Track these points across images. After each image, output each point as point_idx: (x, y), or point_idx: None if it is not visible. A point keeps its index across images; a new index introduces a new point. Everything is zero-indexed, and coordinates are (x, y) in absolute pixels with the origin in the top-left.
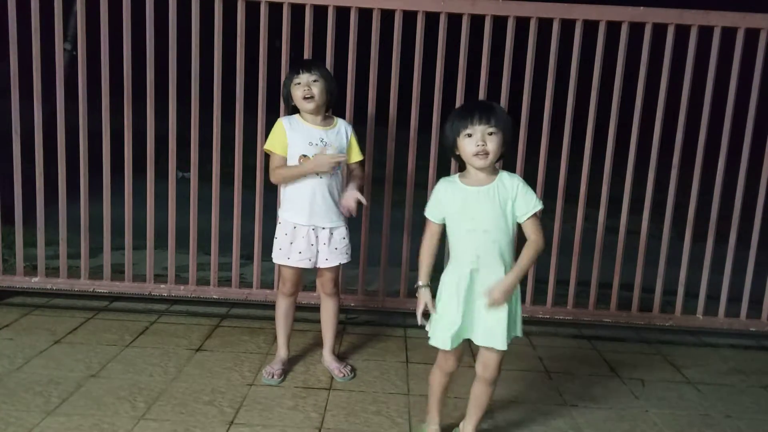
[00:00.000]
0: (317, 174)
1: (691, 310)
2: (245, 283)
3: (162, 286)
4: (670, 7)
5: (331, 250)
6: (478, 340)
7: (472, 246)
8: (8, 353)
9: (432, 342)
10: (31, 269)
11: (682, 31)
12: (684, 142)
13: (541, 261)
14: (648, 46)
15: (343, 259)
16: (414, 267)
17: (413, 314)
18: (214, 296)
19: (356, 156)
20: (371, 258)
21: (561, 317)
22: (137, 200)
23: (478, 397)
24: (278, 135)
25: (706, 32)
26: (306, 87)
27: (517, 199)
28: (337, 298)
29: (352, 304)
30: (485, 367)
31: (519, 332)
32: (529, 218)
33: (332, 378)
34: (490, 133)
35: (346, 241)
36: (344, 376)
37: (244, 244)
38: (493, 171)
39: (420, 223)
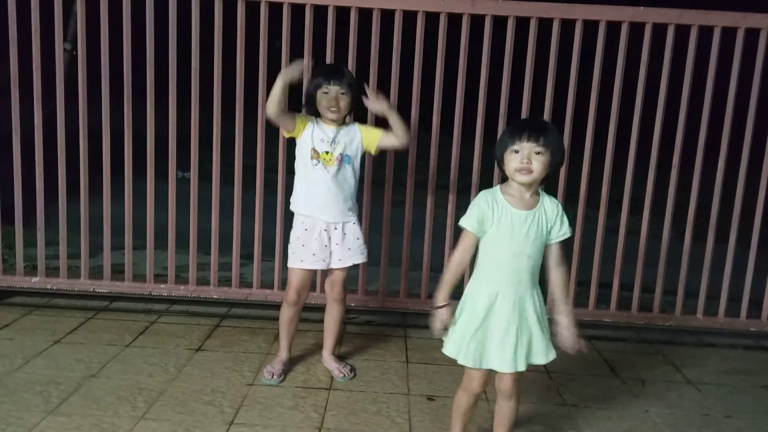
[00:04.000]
0: (325, 168)
1: (691, 310)
2: (245, 283)
3: (162, 286)
4: (670, 7)
5: (343, 250)
6: (532, 360)
7: (515, 269)
8: (8, 353)
9: (443, 350)
10: (31, 269)
11: (682, 31)
12: (684, 142)
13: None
14: (648, 46)
15: (358, 258)
16: (414, 267)
17: (413, 314)
18: (214, 296)
19: (376, 134)
20: (371, 258)
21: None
22: (137, 200)
23: (508, 415)
24: (304, 118)
25: (706, 32)
26: (334, 99)
27: (555, 224)
28: (343, 304)
29: (352, 304)
30: (504, 381)
31: (552, 354)
32: (558, 242)
33: (332, 378)
34: (537, 152)
35: (361, 240)
36: (344, 375)
37: (244, 244)
38: (535, 192)
39: (419, 222)
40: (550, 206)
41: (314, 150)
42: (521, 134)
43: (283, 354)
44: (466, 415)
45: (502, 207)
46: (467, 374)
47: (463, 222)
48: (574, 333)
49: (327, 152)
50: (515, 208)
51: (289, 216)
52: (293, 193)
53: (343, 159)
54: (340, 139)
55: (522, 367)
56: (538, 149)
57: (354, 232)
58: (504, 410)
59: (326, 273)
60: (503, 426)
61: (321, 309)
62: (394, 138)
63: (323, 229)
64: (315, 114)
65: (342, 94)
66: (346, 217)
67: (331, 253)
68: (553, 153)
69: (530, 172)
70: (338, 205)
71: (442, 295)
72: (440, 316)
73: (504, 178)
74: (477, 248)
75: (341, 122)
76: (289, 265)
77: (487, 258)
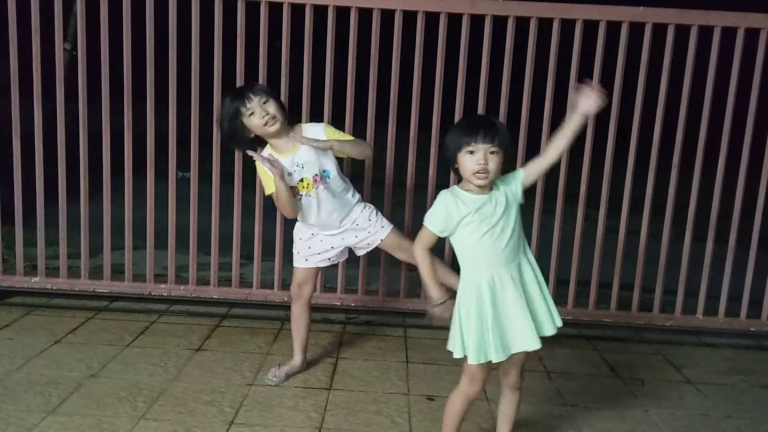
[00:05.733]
0: (309, 196)
1: (691, 310)
2: (245, 283)
3: (162, 286)
4: (670, 7)
5: (364, 237)
6: (543, 332)
7: (501, 250)
8: (8, 353)
9: (495, 359)
10: (31, 269)
11: (682, 31)
12: (684, 142)
13: (541, 261)
14: (648, 46)
15: (384, 232)
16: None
17: (413, 314)
18: (214, 296)
19: (331, 133)
20: (371, 258)
21: (561, 317)
22: (137, 200)
23: (511, 410)
24: (264, 173)
25: (706, 32)
26: (262, 112)
27: (510, 183)
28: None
29: (352, 304)
30: (517, 374)
31: (558, 321)
32: (525, 170)
33: (332, 378)
34: (492, 152)
35: (375, 217)
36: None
37: (244, 244)
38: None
39: (419, 222)
40: (501, 183)
41: (292, 188)
42: (476, 135)
43: (296, 357)
44: (460, 420)
45: (467, 201)
46: (471, 376)
47: (428, 222)
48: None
49: (302, 179)
50: (477, 195)
51: None
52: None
53: (321, 177)
54: (302, 159)
55: (548, 332)
56: (493, 149)
57: (363, 215)
58: (510, 404)
59: (335, 267)
60: (509, 420)
61: (320, 309)
62: (354, 154)
63: (329, 234)
64: (250, 145)
65: (264, 103)
66: (350, 220)
67: (342, 250)
68: (506, 151)
69: (487, 173)
70: (338, 216)
71: (435, 292)
72: (443, 311)
73: (458, 180)
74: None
75: (286, 133)
76: (295, 264)
77: (470, 254)
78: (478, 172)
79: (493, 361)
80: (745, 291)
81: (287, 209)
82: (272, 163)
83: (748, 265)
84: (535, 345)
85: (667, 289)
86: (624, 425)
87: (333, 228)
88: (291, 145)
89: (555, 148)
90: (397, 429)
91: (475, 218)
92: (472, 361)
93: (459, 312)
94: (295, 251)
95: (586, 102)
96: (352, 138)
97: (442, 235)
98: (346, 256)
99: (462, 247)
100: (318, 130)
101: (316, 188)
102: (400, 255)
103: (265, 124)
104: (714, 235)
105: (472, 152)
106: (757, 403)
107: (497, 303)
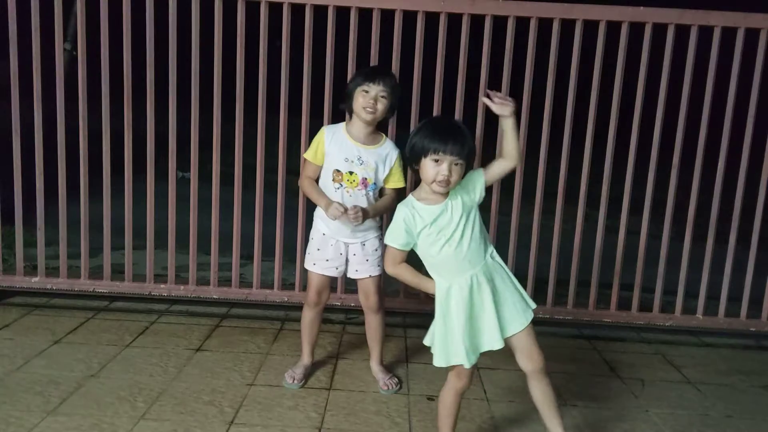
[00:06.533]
0: (347, 191)
1: (691, 310)
2: (245, 283)
3: (162, 286)
4: (670, 7)
5: (361, 261)
6: (511, 330)
7: (463, 256)
8: (8, 353)
9: (442, 363)
10: (31, 269)
11: (682, 31)
12: (684, 142)
13: (541, 261)
14: (648, 46)
15: (374, 271)
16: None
17: (413, 314)
18: (214, 296)
19: (394, 182)
20: None
21: (561, 317)
22: (137, 200)
23: (543, 395)
24: (318, 145)
25: (706, 32)
26: (372, 100)
27: (467, 186)
28: (380, 314)
29: (352, 304)
30: (530, 358)
31: (532, 303)
32: (486, 172)
33: (332, 378)
34: (457, 164)
35: (379, 253)
36: (388, 389)
37: (244, 244)
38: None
39: None
40: (459, 186)
41: (336, 171)
42: (444, 144)
43: (305, 358)
44: (454, 415)
45: (422, 212)
46: (456, 372)
47: (390, 239)
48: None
49: (352, 173)
50: (432, 206)
51: (288, 216)
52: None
53: (369, 185)
54: (366, 159)
55: (522, 326)
56: (459, 161)
57: (373, 244)
58: (538, 390)
59: (354, 281)
60: (549, 406)
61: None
62: (384, 195)
63: (343, 241)
64: (350, 111)
65: (382, 96)
66: (366, 237)
67: (347, 261)
68: (470, 163)
69: (448, 184)
70: (358, 228)
71: (429, 284)
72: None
73: (417, 182)
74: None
75: (371, 128)
76: (306, 266)
77: (433, 263)
78: (439, 182)
79: (454, 365)
80: (745, 291)
81: (304, 190)
82: (345, 212)
83: (748, 265)
84: (497, 345)
85: (667, 289)
86: (624, 425)
87: (348, 236)
88: (374, 140)
89: (508, 152)
90: (397, 429)
91: (433, 230)
92: (436, 363)
93: (437, 314)
94: (307, 251)
95: (499, 108)
96: (391, 199)
97: (407, 248)
98: (343, 271)
99: (425, 257)
100: (393, 154)
101: (358, 189)
102: (363, 301)
103: (364, 108)
104: (714, 235)
105: (437, 161)
106: (757, 403)
107: (467, 307)
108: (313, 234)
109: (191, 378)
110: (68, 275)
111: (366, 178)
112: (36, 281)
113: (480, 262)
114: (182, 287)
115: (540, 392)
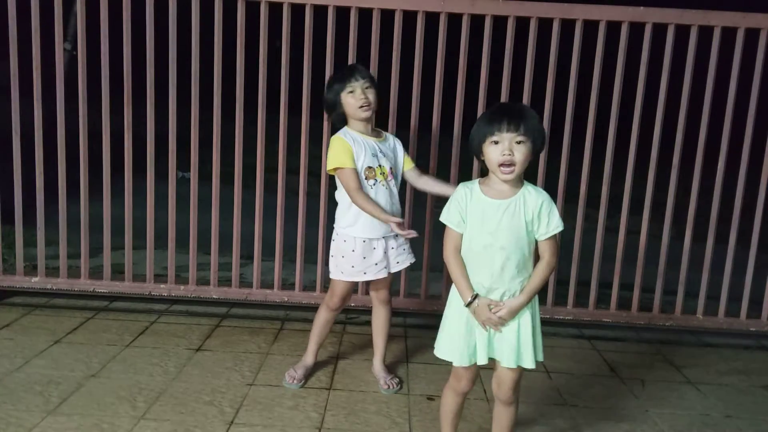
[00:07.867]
0: (382, 184)
1: (691, 310)
2: (245, 283)
3: (162, 286)
4: (670, 7)
5: (400, 252)
6: (504, 362)
7: (488, 263)
8: (8, 353)
9: (437, 353)
10: (31, 269)
11: (682, 31)
12: (684, 142)
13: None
14: (648, 46)
15: (411, 258)
16: (415, 267)
17: (413, 314)
18: (214, 296)
19: (408, 163)
20: None
21: (561, 317)
22: (137, 200)
23: (498, 420)
24: (346, 150)
25: (706, 32)
26: (362, 95)
27: (540, 217)
28: (389, 306)
29: (353, 304)
30: (500, 385)
31: (541, 356)
32: (547, 238)
33: (332, 378)
34: (519, 142)
35: (408, 242)
36: (389, 388)
37: (244, 244)
38: (517, 182)
39: (419, 222)
40: (534, 197)
41: (369, 168)
42: (500, 123)
43: (309, 358)
44: (455, 416)
45: (476, 197)
46: (454, 372)
47: (444, 218)
48: (507, 309)
49: (380, 166)
50: (488, 197)
51: (288, 216)
52: (343, 218)
53: (395, 176)
54: (386, 149)
55: (525, 364)
56: (520, 138)
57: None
58: (503, 417)
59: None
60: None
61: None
62: (415, 180)
63: (384, 238)
64: (343, 121)
65: (367, 88)
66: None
67: (389, 258)
68: (534, 141)
69: (513, 165)
70: (396, 215)
71: (463, 294)
72: (480, 311)
73: (484, 171)
74: None
75: (371, 123)
76: (331, 276)
77: (464, 251)
78: (502, 165)
79: (455, 365)
80: (745, 291)
81: (360, 204)
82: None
83: (748, 265)
84: (481, 360)
85: (667, 289)
86: (624, 425)
87: (387, 227)
88: (378, 134)
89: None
90: (397, 429)
91: (475, 215)
92: (437, 353)
93: (446, 307)
94: (332, 264)
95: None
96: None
97: (461, 229)
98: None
99: (463, 244)
100: (398, 142)
101: (388, 180)
102: (374, 293)
103: (360, 107)
104: (714, 235)
105: (496, 142)
106: (757, 403)
107: (468, 313)
108: (349, 246)
109: (191, 378)
110: (68, 275)
111: (391, 167)
112: (36, 281)
113: (514, 280)
114: (182, 287)
115: (505, 419)
